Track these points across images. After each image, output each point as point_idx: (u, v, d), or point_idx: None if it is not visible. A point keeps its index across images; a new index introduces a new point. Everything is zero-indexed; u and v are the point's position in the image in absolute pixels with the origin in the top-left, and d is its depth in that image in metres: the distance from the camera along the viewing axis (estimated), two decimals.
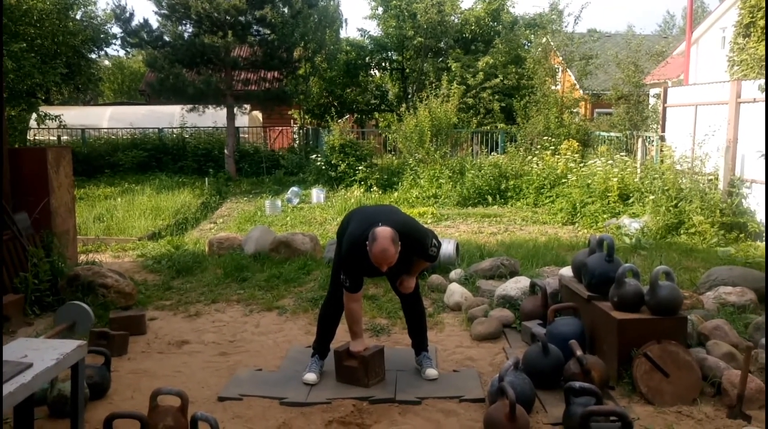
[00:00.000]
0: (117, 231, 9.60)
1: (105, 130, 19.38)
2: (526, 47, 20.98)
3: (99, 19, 19.23)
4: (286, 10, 16.26)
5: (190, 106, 16.65)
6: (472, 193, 12.47)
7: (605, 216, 9.79)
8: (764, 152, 7.53)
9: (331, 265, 4.68)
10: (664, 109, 11.12)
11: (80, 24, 17.47)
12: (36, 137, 18.85)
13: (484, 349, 4.73)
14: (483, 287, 5.88)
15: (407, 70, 23.18)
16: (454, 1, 21.29)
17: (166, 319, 5.54)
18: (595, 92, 19.72)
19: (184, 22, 15.97)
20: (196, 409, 3.40)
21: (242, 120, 18.68)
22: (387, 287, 5.78)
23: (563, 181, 11.60)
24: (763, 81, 8.28)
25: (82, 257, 7.22)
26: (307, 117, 22.42)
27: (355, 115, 23.83)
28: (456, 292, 5.75)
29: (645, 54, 16.56)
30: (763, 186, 8.17)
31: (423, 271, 4.76)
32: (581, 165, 11.83)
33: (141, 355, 4.68)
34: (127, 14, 15.74)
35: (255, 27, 16.38)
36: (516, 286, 5.52)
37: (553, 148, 13.70)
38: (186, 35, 15.93)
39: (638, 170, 10.85)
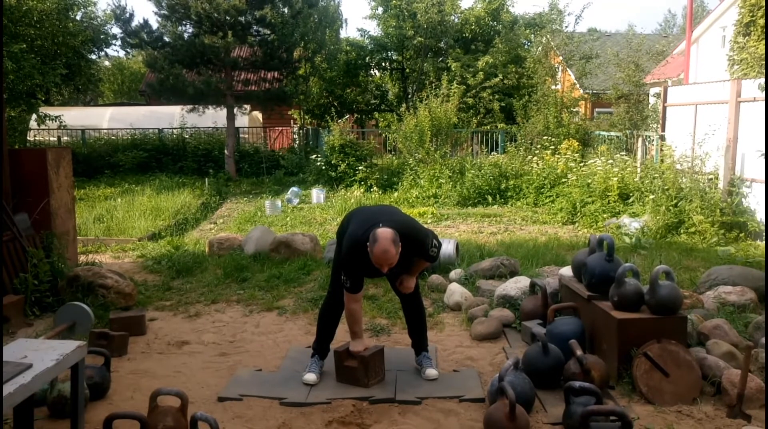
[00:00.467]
0: (117, 231, 9.61)
1: (105, 131, 19.39)
2: (526, 47, 20.99)
3: (99, 19, 19.24)
4: (286, 10, 16.26)
5: (190, 107, 16.67)
6: (472, 193, 12.47)
7: (605, 215, 9.78)
8: (764, 151, 7.52)
9: (331, 266, 4.67)
10: (664, 108, 11.12)
11: (80, 25, 17.48)
12: (36, 138, 18.86)
13: (484, 349, 4.72)
14: (483, 287, 5.88)
15: (407, 70, 23.19)
16: (454, 1, 21.30)
17: (166, 319, 5.54)
18: (595, 91, 19.73)
19: (184, 22, 15.98)
20: (196, 410, 3.41)
21: (242, 120, 18.69)
22: (387, 287, 5.79)
23: (563, 180, 11.60)
24: (763, 80, 8.28)
25: (82, 258, 7.22)
26: (307, 117, 22.42)
27: (355, 115, 23.83)
28: (456, 292, 5.75)
29: (645, 53, 16.55)
30: (763, 185, 8.17)
31: (423, 271, 4.75)
32: (581, 164, 11.82)
33: (141, 355, 4.68)
34: (127, 15, 15.76)
35: (255, 27, 16.39)
36: (516, 285, 5.52)
37: (553, 147, 13.70)
38: (186, 36, 15.95)
39: (638, 170, 10.84)
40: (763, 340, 4.16)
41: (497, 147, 16.69)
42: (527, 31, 21.44)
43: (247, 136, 19.59)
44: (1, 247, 5.20)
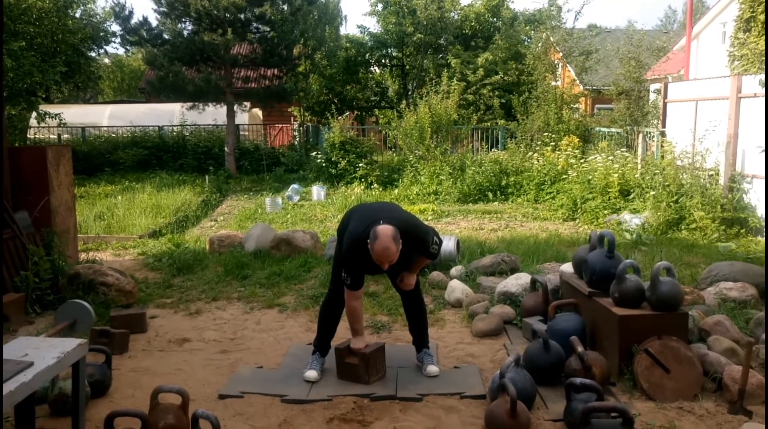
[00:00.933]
0: (117, 229, 9.61)
1: (105, 129, 19.37)
2: (525, 43, 20.95)
3: (98, 17, 19.21)
4: (285, 7, 16.24)
5: (190, 104, 16.64)
6: (472, 190, 12.46)
7: (606, 212, 9.78)
8: (764, 148, 7.51)
9: (331, 263, 4.67)
10: (665, 104, 11.10)
11: (80, 22, 17.44)
12: (36, 136, 18.84)
13: (485, 346, 4.73)
14: (484, 284, 5.88)
15: (407, 67, 23.16)
16: None
17: (166, 317, 5.54)
18: (595, 88, 19.70)
19: (183, 19, 15.95)
20: (197, 407, 3.41)
21: (242, 117, 18.67)
22: (387, 284, 5.78)
23: (564, 177, 11.59)
24: (763, 76, 8.27)
25: (83, 256, 7.22)
26: (307, 114, 22.40)
27: (355, 112, 23.79)
28: (457, 288, 5.75)
29: (646, 49, 16.52)
30: (764, 181, 8.16)
31: (424, 268, 4.75)
32: (582, 161, 11.81)
33: (142, 353, 4.69)
34: (127, 12, 15.73)
35: (254, 24, 16.36)
36: (517, 282, 5.51)
37: (553, 144, 13.69)
38: (185, 33, 15.92)
39: (639, 166, 10.83)
40: (764, 336, 4.15)
41: (497, 143, 16.67)
42: (527, 27, 21.40)
43: (247, 133, 19.57)
44: (2, 245, 5.20)
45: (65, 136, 19.10)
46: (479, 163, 13.04)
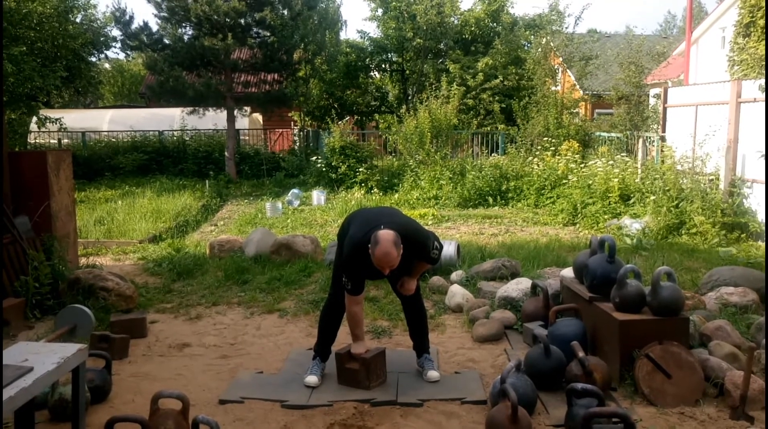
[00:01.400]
0: (117, 234, 9.60)
1: (105, 133, 19.39)
2: (525, 48, 20.97)
3: (99, 22, 19.23)
4: (285, 12, 16.27)
5: (190, 109, 16.67)
6: (472, 195, 12.46)
7: (606, 217, 9.78)
8: (764, 152, 7.52)
9: (331, 268, 4.67)
10: (665, 109, 11.12)
11: (80, 27, 17.46)
12: (36, 140, 18.86)
13: (486, 351, 4.72)
14: (484, 289, 5.88)
15: (407, 72, 23.18)
16: (454, 2, 21.29)
17: (167, 322, 5.53)
18: (595, 92, 19.73)
19: (183, 24, 15.98)
20: (197, 413, 3.40)
21: (242, 122, 18.69)
22: (388, 289, 5.77)
23: (564, 181, 11.59)
24: (763, 81, 8.28)
25: (83, 260, 7.22)
26: (307, 119, 22.41)
27: (356, 117, 23.82)
28: (457, 293, 5.74)
29: (646, 54, 16.55)
30: (764, 186, 8.16)
31: (424, 272, 4.75)
32: (582, 166, 11.81)
33: (142, 358, 4.68)
34: (127, 17, 15.77)
35: (255, 29, 16.39)
36: (517, 287, 5.51)
37: (553, 148, 13.70)
38: (186, 38, 15.95)
39: (639, 171, 10.83)
40: (765, 341, 4.15)
41: (498, 148, 16.68)
42: (527, 32, 21.43)
43: (247, 138, 19.59)
44: (2, 250, 5.20)
45: (65, 140, 19.12)
46: (479, 168, 13.04)
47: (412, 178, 13.57)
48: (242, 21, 15.80)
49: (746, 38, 10.93)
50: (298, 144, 19.66)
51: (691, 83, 15.58)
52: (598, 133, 15.22)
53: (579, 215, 10.23)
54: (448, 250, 6.70)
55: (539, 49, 17.56)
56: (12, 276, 5.41)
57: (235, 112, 16.79)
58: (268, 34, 16.23)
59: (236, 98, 16.85)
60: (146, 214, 11.00)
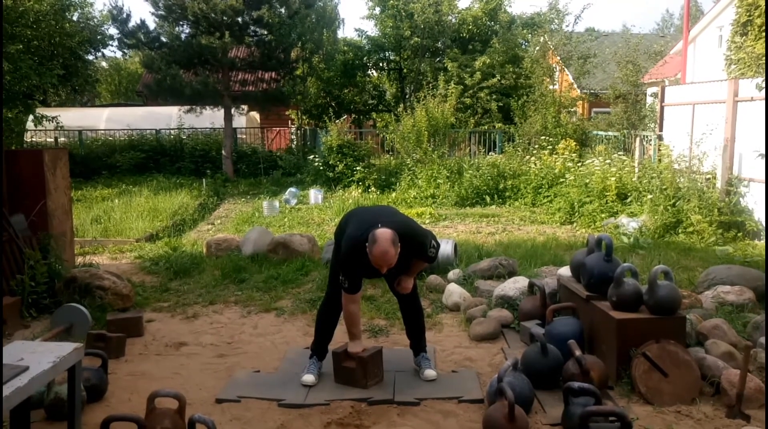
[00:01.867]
0: (114, 233, 9.58)
1: (102, 132, 19.34)
2: (523, 47, 20.99)
3: (96, 20, 19.22)
4: (283, 10, 16.23)
5: (187, 107, 16.64)
6: (470, 193, 12.46)
7: (603, 215, 9.78)
8: (764, 151, 7.52)
9: (329, 266, 4.66)
10: (662, 108, 11.12)
11: (77, 25, 17.44)
12: (33, 139, 18.81)
13: (483, 350, 4.72)
14: (481, 287, 5.88)
15: (405, 70, 23.19)
16: (451, 1, 21.29)
17: (163, 320, 5.52)
18: (593, 91, 19.75)
19: (181, 23, 15.93)
20: (194, 412, 3.39)
21: (240, 121, 18.66)
22: (385, 288, 5.77)
23: (561, 180, 11.59)
24: (760, 79, 8.28)
25: (80, 259, 7.20)
26: (304, 117, 22.41)
27: (353, 116, 23.82)
28: (454, 292, 5.74)
29: (643, 53, 16.56)
30: (762, 184, 8.17)
31: (421, 271, 4.74)
32: (579, 164, 11.83)
33: (138, 357, 4.67)
34: (124, 15, 15.71)
35: (252, 28, 16.35)
36: (514, 286, 5.51)
37: (550, 147, 13.71)
38: (183, 36, 15.90)
39: (636, 169, 10.85)
40: (762, 339, 4.15)
41: (495, 147, 16.69)
42: (524, 31, 21.44)
43: (244, 136, 19.56)
44: None
45: (62, 139, 19.08)
46: (477, 167, 13.04)
47: (410, 177, 13.57)
48: (239, 19, 15.76)
49: (743, 37, 10.96)
50: (295, 143, 19.64)
51: (688, 82, 15.59)
52: (595, 132, 15.24)
53: (576, 214, 10.24)
54: (446, 248, 6.70)
55: (537, 48, 17.58)
56: (8, 274, 5.40)
57: (233, 110, 16.76)
58: (266, 32, 16.19)
59: (233, 97, 16.82)
60: (143, 212, 10.99)
